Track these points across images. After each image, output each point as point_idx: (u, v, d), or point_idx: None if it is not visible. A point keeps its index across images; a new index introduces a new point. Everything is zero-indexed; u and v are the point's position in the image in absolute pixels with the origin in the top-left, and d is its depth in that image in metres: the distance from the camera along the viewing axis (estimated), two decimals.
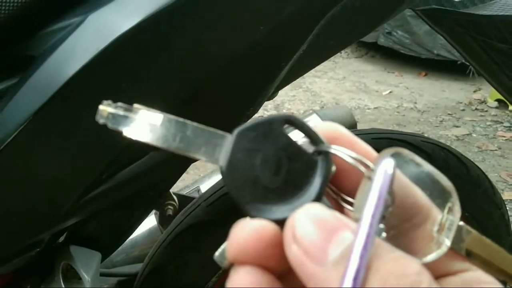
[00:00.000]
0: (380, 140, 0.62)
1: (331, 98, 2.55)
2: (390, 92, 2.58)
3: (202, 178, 0.97)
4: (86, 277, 0.45)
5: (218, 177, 0.90)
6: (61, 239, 0.49)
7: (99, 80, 0.32)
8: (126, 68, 0.32)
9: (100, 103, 0.34)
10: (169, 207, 0.86)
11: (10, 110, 0.32)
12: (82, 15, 0.30)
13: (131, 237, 0.65)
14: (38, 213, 0.38)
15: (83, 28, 0.30)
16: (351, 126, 0.87)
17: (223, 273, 0.64)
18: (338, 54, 3.29)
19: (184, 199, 0.87)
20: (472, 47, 0.62)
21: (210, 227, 0.60)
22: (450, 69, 2.67)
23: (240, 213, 0.57)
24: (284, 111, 2.52)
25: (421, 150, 0.65)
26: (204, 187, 0.92)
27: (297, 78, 0.44)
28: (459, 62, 2.53)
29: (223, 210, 0.61)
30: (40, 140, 0.34)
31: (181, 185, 1.03)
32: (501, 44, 0.60)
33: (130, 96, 0.34)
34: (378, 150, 0.57)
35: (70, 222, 0.42)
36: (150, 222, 0.92)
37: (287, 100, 2.59)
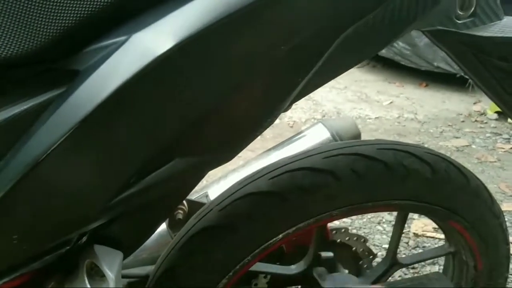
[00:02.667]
0: (385, 151, 0.66)
1: (332, 107, 2.58)
2: (391, 102, 2.61)
3: (210, 184, 1.00)
4: (111, 275, 0.47)
5: (226, 183, 0.93)
6: (84, 239, 0.52)
7: (138, 96, 0.35)
8: (164, 87, 0.35)
9: (139, 116, 0.38)
10: (179, 211, 0.90)
11: (55, 119, 0.36)
12: (126, 35, 0.33)
13: None
14: (73, 214, 0.41)
15: (127, 47, 0.33)
16: (355, 136, 0.91)
17: (233, 275, 0.67)
18: None
19: (193, 204, 0.90)
20: (473, 64, 0.66)
21: (222, 231, 0.64)
22: (450, 81, 2.71)
23: (251, 219, 0.61)
24: (286, 119, 2.56)
25: (424, 161, 0.69)
26: (212, 192, 0.96)
27: (312, 91, 0.48)
28: (458, 75, 2.58)
29: (234, 214, 0.64)
30: (81, 148, 0.37)
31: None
32: (500, 62, 0.64)
33: (164, 114, 0.38)
34: (384, 160, 0.60)
35: (99, 222, 0.45)
36: (161, 226, 0.95)
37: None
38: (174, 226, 0.90)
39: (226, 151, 0.46)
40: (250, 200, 0.62)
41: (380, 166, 0.65)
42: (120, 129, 0.38)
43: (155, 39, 0.33)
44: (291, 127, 2.46)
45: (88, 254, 0.49)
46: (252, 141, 0.46)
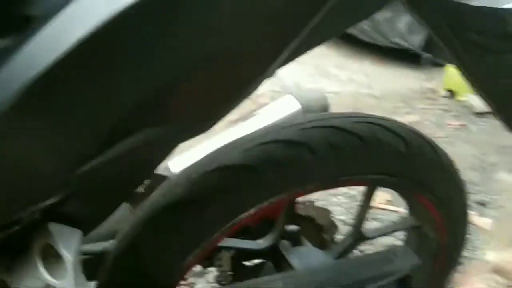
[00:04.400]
0: (362, 124, 0.63)
1: (291, 81, 2.56)
2: (349, 77, 2.63)
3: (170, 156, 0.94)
4: (69, 256, 0.42)
5: (188, 155, 0.88)
6: (35, 217, 0.46)
7: (106, 49, 0.30)
8: (136, 40, 0.30)
9: (105, 74, 0.32)
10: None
11: (6, 74, 0.29)
12: None
13: None
14: (27, 187, 0.35)
15: None
16: (325, 109, 0.88)
17: (201, 251, 0.63)
18: None
19: (155, 177, 0.85)
20: (446, 33, 0.64)
21: (191, 205, 0.59)
22: (405, 57, 2.76)
23: (223, 192, 0.56)
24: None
25: (397, 135, 0.67)
26: (173, 164, 0.90)
27: (297, 57, 0.44)
28: (412, 52, 2.63)
29: (204, 188, 0.59)
30: (38, 110, 0.31)
31: None
32: (476, 35, 0.62)
33: (134, 73, 0.32)
34: (360, 134, 0.58)
35: (57, 197, 0.39)
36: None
37: None
38: (133, 199, 0.84)
39: (202, 120, 0.41)
40: (222, 172, 0.58)
41: (355, 140, 0.63)
42: (82, 89, 0.32)
43: None
44: (254, 102, 2.41)
45: (41, 233, 0.43)
46: (232, 109, 0.42)
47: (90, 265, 0.74)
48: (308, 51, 0.45)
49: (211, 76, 0.38)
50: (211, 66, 0.37)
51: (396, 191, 0.78)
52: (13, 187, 0.35)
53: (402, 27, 2.66)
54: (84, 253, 0.76)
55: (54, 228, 0.43)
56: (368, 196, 0.75)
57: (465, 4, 0.52)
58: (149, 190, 0.81)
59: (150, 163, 0.45)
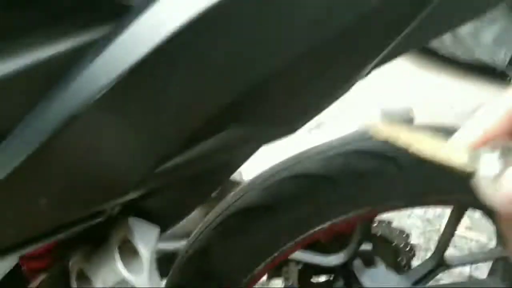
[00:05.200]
0: None
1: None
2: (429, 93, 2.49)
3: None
4: (145, 253, 0.42)
5: (261, 162, 0.87)
6: (117, 209, 0.46)
7: (201, 42, 0.29)
8: (233, 34, 0.29)
9: (198, 68, 0.31)
10: None
11: (98, 65, 0.29)
12: None
13: None
14: (111, 180, 0.35)
15: None
16: (410, 122, 0.83)
17: (271, 261, 0.61)
18: None
19: (228, 182, 0.84)
20: None
21: (265, 212, 0.57)
22: (490, 75, 2.56)
23: (298, 202, 0.52)
24: None
25: None
26: (246, 171, 0.89)
27: (394, 58, 0.41)
28: (499, 71, 2.43)
29: (279, 195, 0.57)
30: (126, 103, 0.31)
31: None
32: None
33: (228, 69, 0.31)
34: None
35: (138, 193, 0.39)
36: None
37: None
38: (205, 203, 0.84)
39: (289, 122, 0.39)
40: (298, 181, 0.56)
41: None
42: (175, 84, 0.31)
43: None
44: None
45: (121, 226, 0.44)
46: (322, 110, 0.39)
47: (161, 263, 0.75)
48: (398, 57, 0.42)
49: (301, 77, 0.36)
50: (302, 66, 0.35)
51: (490, 217, 0.71)
52: (97, 180, 0.35)
53: (488, 40, 2.48)
54: (158, 253, 0.77)
55: (134, 223, 0.43)
56: (456, 218, 0.69)
57: None
58: (221, 194, 0.81)
59: (229, 166, 0.44)
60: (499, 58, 2.42)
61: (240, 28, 0.30)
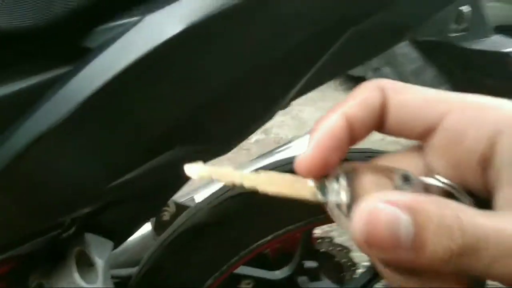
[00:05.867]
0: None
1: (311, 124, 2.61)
2: None
3: (197, 189, 1.00)
4: (101, 263, 0.47)
5: (213, 188, 0.93)
6: (73, 228, 0.51)
7: (146, 78, 0.36)
8: (175, 67, 0.36)
9: (146, 98, 0.38)
10: (165, 212, 0.89)
11: (61, 96, 0.35)
12: (139, 15, 0.34)
13: None
14: (70, 194, 0.40)
15: (139, 27, 0.34)
16: None
17: (219, 275, 0.66)
18: (327, 85, 3.40)
19: (180, 206, 0.90)
20: (461, 81, 0.69)
21: (212, 228, 0.63)
22: None
23: (243, 217, 0.60)
24: (272, 135, 2.58)
25: None
26: (199, 196, 0.95)
27: (312, 89, 0.49)
28: None
29: (225, 213, 0.64)
30: (84, 128, 0.37)
31: (176, 195, 1.05)
32: (487, 79, 0.66)
33: (171, 99, 0.38)
34: None
35: (94, 206, 0.44)
36: (143, 228, 0.94)
37: (276, 125, 2.64)
38: (159, 228, 0.89)
39: (225, 142, 0.46)
40: (242, 199, 0.62)
41: None
42: (125, 111, 0.38)
43: (168, 21, 0.34)
44: (277, 143, 2.47)
45: (78, 241, 0.49)
46: (250, 134, 0.47)
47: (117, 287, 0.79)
48: (319, 85, 0.50)
49: (232, 105, 0.43)
50: (232, 97, 0.42)
51: None
52: (59, 194, 0.41)
53: (428, 79, 2.70)
54: (113, 277, 0.81)
55: (90, 237, 0.48)
56: None
57: (467, 49, 0.57)
58: (174, 218, 0.86)
59: (176, 182, 0.51)
60: None
61: (181, 65, 0.37)
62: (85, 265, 0.49)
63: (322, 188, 0.20)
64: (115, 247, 0.51)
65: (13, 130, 0.37)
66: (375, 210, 0.17)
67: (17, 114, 0.37)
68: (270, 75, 0.43)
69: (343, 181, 0.20)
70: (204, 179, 0.23)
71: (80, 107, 0.36)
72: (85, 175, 0.40)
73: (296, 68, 0.43)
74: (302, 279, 0.83)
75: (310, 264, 0.86)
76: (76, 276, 0.48)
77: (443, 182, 0.20)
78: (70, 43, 0.36)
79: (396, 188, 0.20)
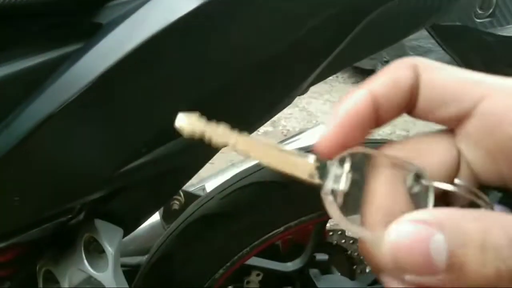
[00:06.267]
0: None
1: (325, 119, 2.59)
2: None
3: (207, 178, 0.99)
4: (110, 250, 0.45)
5: (224, 177, 0.92)
6: (83, 214, 0.50)
7: (161, 55, 0.34)
8: (190, 44, 0.34)
9: (159, 77, 0.36)
10: (175, 202, 0.88)
11: (71, 74, 0.34)
12: None
13: None
14: (78, 179, 0.39)
15: (153, 3, 0.32)
16: None
17: (230, 266, 0.65)
18: (335, 78, 3.36)
19: (190, 196, 0.88)
20: (477, 69, 0.66)
21: (223, 219, 0.62)
22: None
23: (254, 208, 0.58)
24: (280, 127, 2.56)
25: None
26: (209, 185, 0.94)
27: (330, 76, 0.47)
28: None
29: (236, 203, 0.62)
30: (95, 107, 0.35)
31: (186, 184, 1.04)
32: (508, 68, 0.64)
33: (185, 79, 0.37)
34: None
35: (103, 192, 0.43)
36: (152, 217, 0.93)
37: (283, 117, 2.63)
38: (168, 217, 0.88)
39: (241, 128, 0.45)
40: (254, 189, 0.61)
41: None
42: (138, 90, 0.36)
43: None
44: (285, 135, 2.45)
45: (88, 228, 0.47)
46: (267, 120, 0.45)
47: (127, 276, 0.78)
48: (335, 73, 0.48)
49: (243, 93, 0.42)
50: (245, 83, 0.40)
51: None
52: (66, 180, 0.40)
53: None
54: (123, 265, 0.80)
55: (100, 224, 0.47)
56: None
57: (493, 34, 0.54)
58: (183, 207, 0.85)
59: (190, 167, 0.49)
60: None
61: (197, 44, 0.36)
62: (95, 252, 0.48)
63: (322, 170, 0.18)
64: (125, 235, 0.50)
65: (22, 109, 0.35)
66: (401, 233, 0.16)
67: (27, 92, 0.35)
68: (289, 60, 0.41)
69: (347, 167, 0.18)
70: (193, 136, 0.19)
71: (91, 86, 0.34)
72: (93, 159, 0.39)
73: (314, 55, 0.41)
74: (313, 272, 0.81)
75: (321, 256, 0.85)
76: (85, 263, 0.46)
77: (454, 185, 0.18)
78: (81, 19, 0.34)
79: (407, 186, 0.18)
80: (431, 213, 0.16)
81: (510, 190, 0.18)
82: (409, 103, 0.19)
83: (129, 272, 0.78)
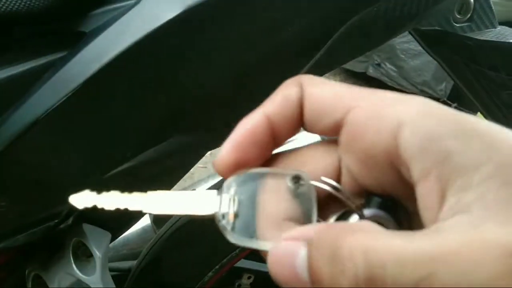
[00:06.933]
0: None
1: None
2: None
3: (197, 183, 0.99)
4: (98, 254, 0.46)
5: (213, 182, 0.92)
6: (71, 219, 0.50)
7: (143, 62, 0.35)
8: (172, 51, 0.35)
9: (143, 83, 0.37)
10: None
11: (56, 81, 0.35)
12: None
13: (123, 234, 0.67)
14: (65, 183, 0.40)
15: (136, 10, 0.33)
16: None
17: (219, 268, 0.66)
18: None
19: None
20: (464, 74, 0.68)
21: (212, 221, 0.63)
22: None
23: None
24: None
25: None
26: (201, 189, 0.94)
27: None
28: (441, 100, 2.64)
29: None
30: (79, 113, 0.36)
31: (177, 189, 1.05)
32: (491, 71, 0.65)
33: (168, 85, 0.38)
34: None
35: None
36: (143, 221, 0.94)
37: None
38: (158, 221, 0.88)
39: (226, 133, 0.46)
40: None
41: None
42: (122, 97, 0.37)
43: (165, 4, 0.33)
44: None
45: (76, 232, 0.48)
46: None
47: (118, 281, 0.78)
48: (323, 74, 0.50)
49: (230, 94, 0.43)
50: (231, 85, 0.41)
51: None
52: (52, 184, 0.40)
53: (429, 75, 2.69)
54: (111, 270, 0.80)
55: (88, 228, 0.48)
56: None
57: (472, 38, 0.56)
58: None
59: (177, 171, 0.50)
60: (439, 90, 2.64)
61: (179, 50, 0.36)
62: (83, 256, 0.48)
63: (211, 200, 0.20)
64: (113, 239, 0.51)
65: (8, 116, 0.36)
66: (275, 249, 0.17)
67: (12, 99, 0.36)
68: (272, 63, 0.42)
69: (232, 190, 0.20)
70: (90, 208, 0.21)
71: (75, 92, 0.35)
72: (81, 163, 0.40)
73: (298, 56, 0.42)
74: None
75: None
76: (74, 267, 0.47)
77: (328, 184, 0.20)
78: (65, 28, 0.35)
79: (290, 190, 0.20)
80: (302, 229, 0.17)
81: (390, 195, 0.19)
82: (301, 118, 0.21)
83: (121, 277, 0.78)
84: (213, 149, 0.46)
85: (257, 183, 0.20)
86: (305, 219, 0.19)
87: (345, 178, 0.20)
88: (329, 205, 0.20)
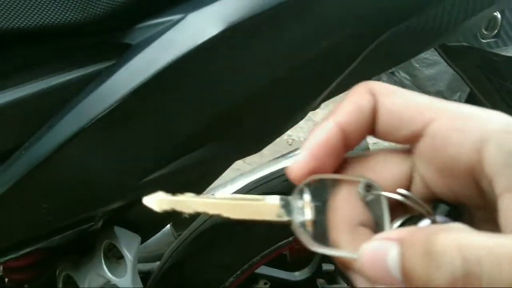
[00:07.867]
0: None
1: None
2: None
3: (216, 187, 1.00)
4: (129, 256, 0.47)
5: (233, 187, 0.94)
6: (101, 221, 0.52)
7: (186, 75, 0.36)
8: (213, 65, 0.36)
9: (184, 96, 0.38)
10: None
11: (101, 91, 0.36)
12: (182, 13, 0.35)
13: None
14: (103, 188, 0.41)
15: (182, 25, 0.34)
16: (365, 149, 0.92)
17: (240, 274, 0.67)
18: None
19: None
20: (486, 87, 0.68)
21: (234, 228, 0.64)
22: None
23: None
24: (285, 137, 2.58)
25: None
26: (219, 194, 0.96)
27: (341, 93, 0.49)
28: None
29: None
30: (122, 123, 0.37)
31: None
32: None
33: (208, 96, 0.39)
34: None
35: (125, 201, 0.45)
36: None
37: None
38: (178, 225, 0.89)
39: (256, 142, 0.47)
40: None
41: None
42: (163, 107, 0.38)
43: (210, 21, 0.34)
44: (290, 145, 2.47)
45: (107, 234, 0.49)
46: (281, 134, 0.47)
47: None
48: (347, 89, 0.51)
49: (263, 106, 0.44)
50: (270, 95, 0.43)
51: None
52: (89, 190, 0.42)
53: (443, 85, 2.68)
54: None
55: (119, 231, 0.49)
56: None
57: (498, 54, 0.56)
58: (193, 216, 0.87)
59: (205, 179, 0.51)
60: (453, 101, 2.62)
61: (221, 65, 0.38)
62: (114, 257, 0.50)
63: (288, 207, 0.20)
64: (142, 242, 0.52)
65: (56, 121, 0.38)
66: (366, 249, 0.18)
67: (57, 108, 0.38)
68: (304, 77, 0.43)
69: (307, 197, 0.20)
70: (166, 210, 0.22)
71: (118, 104, 0.37)
72: (118, 170, 0.41)
73: (328, 71, 0.43)
74: (320, 282, 0.83)
75: (328, 267, 0.86)
76: (105, 268, 0.48)
77: (400, 194, 0.20)
78: (112, 40, 0.37)
79: (361, 197, 0.20)
80: (394, 231, 0.18)
81: (462, 203, 0.20)
82: (372, 126, 0.21)
83: (141, 278, 0.80)
84: (243, 157, 0.48)
85: (329, 190, 0.20)
86: (376, 225, 0.20)
87: (416, 185, 0.21)
88: (390, 210, 0.21)
